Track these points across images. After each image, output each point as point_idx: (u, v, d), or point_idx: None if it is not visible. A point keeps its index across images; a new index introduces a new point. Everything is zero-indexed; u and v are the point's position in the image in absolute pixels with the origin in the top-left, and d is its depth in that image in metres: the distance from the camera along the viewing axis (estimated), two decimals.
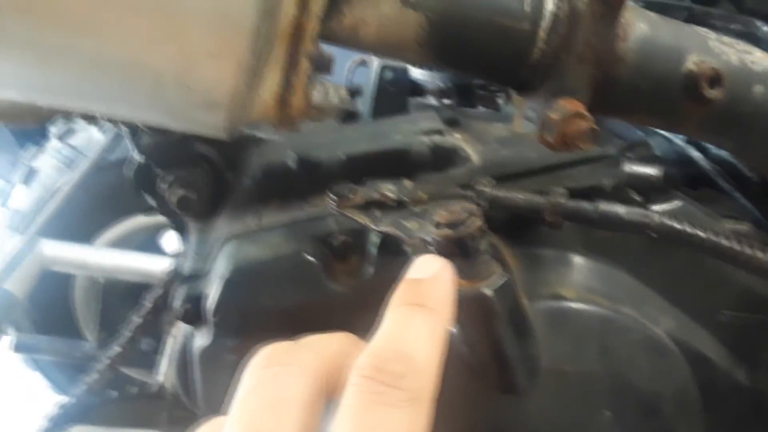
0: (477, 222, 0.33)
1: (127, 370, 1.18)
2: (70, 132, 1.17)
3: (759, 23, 0.54)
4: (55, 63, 0.32)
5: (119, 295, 1.20)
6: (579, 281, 0.42)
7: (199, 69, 0.32)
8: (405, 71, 0.64)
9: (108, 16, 0.30)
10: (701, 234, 0.33)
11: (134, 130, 0.52)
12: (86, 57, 0.32)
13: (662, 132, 0.54)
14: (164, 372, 1.00)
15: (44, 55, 0.32)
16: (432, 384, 0.25)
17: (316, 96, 0.37)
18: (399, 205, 0.43)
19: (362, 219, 0.43)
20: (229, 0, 0.31)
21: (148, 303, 0.90)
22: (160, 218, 1.18)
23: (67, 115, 0.60)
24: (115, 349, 0.93)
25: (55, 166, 1.14)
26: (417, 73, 0.74)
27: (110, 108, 0.38)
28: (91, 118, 0.51)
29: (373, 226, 0.42)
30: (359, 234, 0.44)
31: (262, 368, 0.25)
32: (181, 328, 0.52)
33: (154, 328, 1.00)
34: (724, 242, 0.33)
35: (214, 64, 0.32)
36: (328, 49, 0.38)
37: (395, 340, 0.26)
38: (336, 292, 0.43)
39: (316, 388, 0.25)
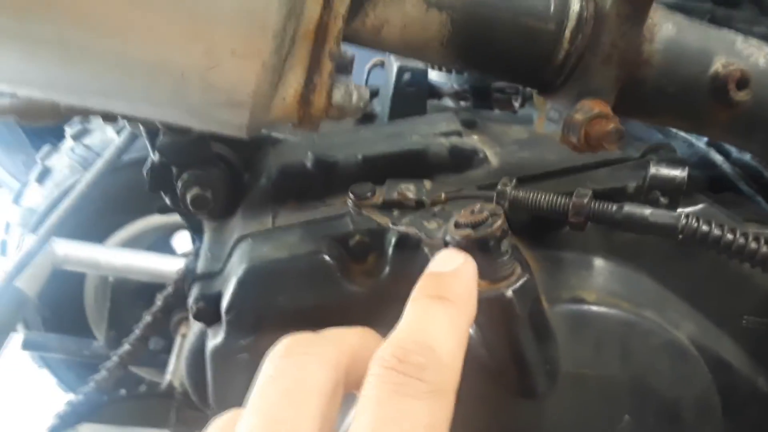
0: (499, 222, 0.32)
1: (135, 369, 1.18)
2: (85, 132, 1.17)
3: None
4: (79, 62, 0.32)
5: (129, 295, 1.20)
6: (600, 284, 0.42)
7: (223, 68, 0.32)
8: (423, 73, 0.63)
9: (134, 15, 0.30)
10: (729, 236, 0.33)
11: (152, 130, 0.52)
12: (111, 56, 0.31)
13: (683, 134, 0.53)
14: (173, 371, 1.00)
15: (69, 53, 0.32)
16: (454, 377, 0.25)
17: (338, 96, 0.36)
18: (418, 205, 0.43)
19: (381, 219, 0.42)
20: (254, 0, 0.30)
21: (159, 302, 0.90)
22: (173, 219, 1.18)
23: (85, 114, 0.61)
24: (125, 347, 0.94)
25: (70, 165, 1.15)
26: (434, 76, 0.74)
27: (133, 107, 0.38)
28: (110, 118, 0.51)
29: (393, 226, 0.41)
30: (376, 234, 0.43)
31: (282, 357, 0.25)
32: (193, 327, 0.52)
33: (164, 328, 1.00)
34: (753, 245, 0.33)
35: (238, 64, 0.32)
36: (348, 49, 0.38)
37: (417, 331, 0.26)
38: (352, 292, 0.43)
39: (336, 379, 0.25)
